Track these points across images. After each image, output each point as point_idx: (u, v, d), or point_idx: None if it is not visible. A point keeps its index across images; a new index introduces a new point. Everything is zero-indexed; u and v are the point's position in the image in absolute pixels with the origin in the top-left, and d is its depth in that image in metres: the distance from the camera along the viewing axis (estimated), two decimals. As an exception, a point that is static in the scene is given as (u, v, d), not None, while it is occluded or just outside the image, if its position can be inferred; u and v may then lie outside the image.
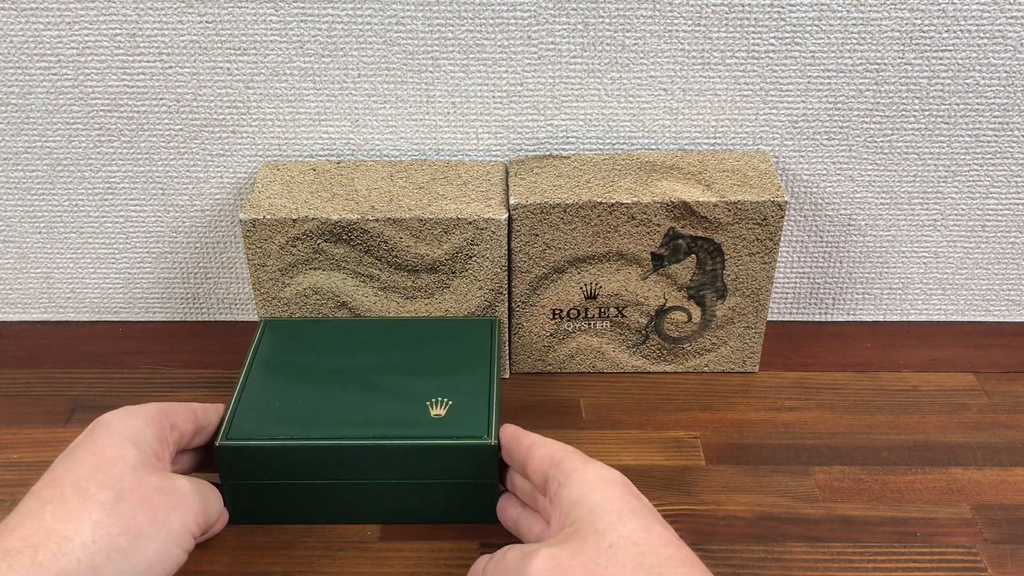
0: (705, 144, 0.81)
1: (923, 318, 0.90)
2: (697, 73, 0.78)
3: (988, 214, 0.84)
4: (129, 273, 0.88)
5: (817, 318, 0.90)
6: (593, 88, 0.79)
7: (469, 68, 0.78)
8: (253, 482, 0.66)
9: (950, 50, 0.76)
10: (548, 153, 0.82)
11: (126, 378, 0.83)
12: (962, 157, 0.81)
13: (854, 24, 0.75)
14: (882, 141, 0.81)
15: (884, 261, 0.86)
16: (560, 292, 0.78)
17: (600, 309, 0.79)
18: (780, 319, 0.90)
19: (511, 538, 0.67)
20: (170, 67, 0.78)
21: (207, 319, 0.91)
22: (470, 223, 0.74)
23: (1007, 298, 0.88)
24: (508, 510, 0.65)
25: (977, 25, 0.75)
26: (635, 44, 0.77)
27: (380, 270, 0.76)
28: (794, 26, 0.76)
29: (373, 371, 0.71)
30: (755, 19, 0.76)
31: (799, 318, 0.90)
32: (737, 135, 0.81)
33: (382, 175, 0.79)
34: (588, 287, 0.78)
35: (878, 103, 0.79)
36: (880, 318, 0.90)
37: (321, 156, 0.82)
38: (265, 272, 0.76)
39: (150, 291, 0.89)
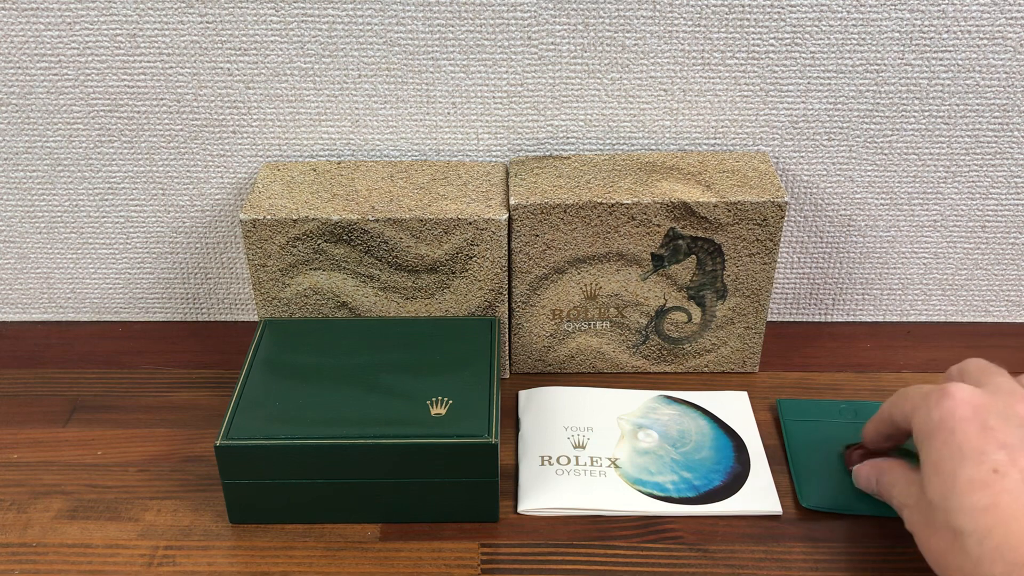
0: (705, 144, 0.81)
1: (923, 319, 0.90)
2: (697, 73, 0.78)
3: (988, 214, 0.84)
4: (129, 273, 0.88)
5: (817, 318, 0.90)
6: (593, 88, 0.79)
7: (469, 68, 0.78)
8: (253, 482, 0.66)
9: (950, 51, 0.77)
10: (548, 153, 0.82)
11: (126, 378, 0.83)
12: (962, 157, 0.81)
13: (854, 24, 0.75)
14: (882, 141, 0.81)
15: (884, 261, 0.86)
16: (560, 292, 0.78)
17: (600, 309, 0.79)
18: (780, 319, 0.90)
19: (511, 538, 0.67)
20: (170, 67, 0.78)
21: (207, 319, 0.91)
22: (470, 223, 0.74)
23: (1007, 298, 0.88)
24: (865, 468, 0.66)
25: (977, 25, 0.75)
26: (635, 44, 0.77)
27: (380, 270, 0.76)
28: (794, 26, 0.76)
29: (373, 370, 0.71)
30: (755, 19, 0.76)
31: (799, 318, 0.90)
32: (737, 135, 0.81)
33: (382, 175, 0.79)
34: (588, 287, 0.78)
35: (878, 103, 0.79)
36: (880, 319, 0.90)
37: (321, 156, 0.82)
38: (265, 272, 0.76)
39: (150, 291, 0.89)
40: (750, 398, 0.79)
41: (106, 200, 0.84)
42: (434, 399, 0.68)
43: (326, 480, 0.66)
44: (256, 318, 0.81)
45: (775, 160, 0.82)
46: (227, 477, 0.66)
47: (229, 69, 0.78)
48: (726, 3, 0.75)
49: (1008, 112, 0.79)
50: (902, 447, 0.72)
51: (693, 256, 0.77)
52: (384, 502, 0.67)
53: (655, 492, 0.70)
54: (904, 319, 0.90)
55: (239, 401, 0.68)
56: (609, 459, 0.72)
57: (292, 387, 0.70)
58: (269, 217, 0.74)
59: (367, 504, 0.67)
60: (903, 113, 0.79)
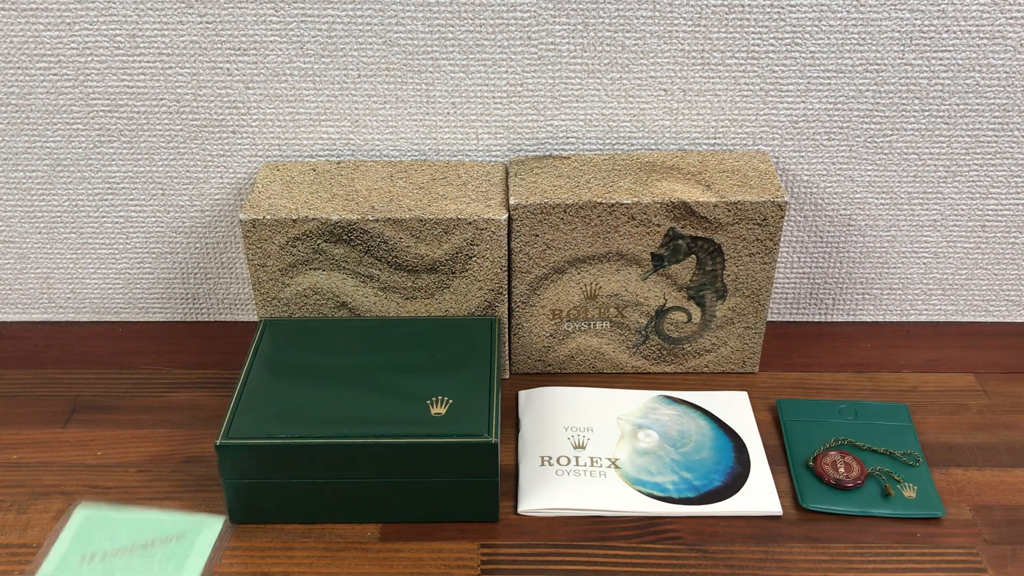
0: (705, 144, 0.81)
1: (923, 318, 0.90)
2: (697, 73, 0.78)
3: (988, 214, 0.84)
4: (129, 273, 0.88)
5: (817, 318, 0.90)
6: (593, 88, 0.79)
7: (469, 68, 0.78)
8: (253, 481, 0.66)
9: (950, 50, 0.76)
10: (548, 153, 0.82)
11: (126, 378, 0.83)
12: (962, 157, 0.81)
13: (854, 24, 0.75)
14: (882, 141, 0.81)
15: (884, 261, 0.86)
16: (560, 292, 0.78)
17: (600, 309, 0.79)
18: (780, 319, 0.90)
19: (511, 538, 0.67)
20: (170, 67, 0.78)
21: (207, 319, 0.91)
22: (470, 223, 0.74)
23: (1007, 298, 0.88)
24: None
25: (977, 25, 0.75)
26: (635, 44, 0.77)
27: (380, 270, 0.76)
28: (794, 26, 0.76)
29: (373, 370, 0.71)
30: (755, 19, 0.75)
31: (799, 318, 0.90)
32: (737, 135, 0.81)
33: (382, 175, 0.79)
34: (588, 287, 0.78)
35: (878, 103, 0.79)
36: (880, 318, 0.90)
37: (321, 156, 0.82)
38: (265, 272, 0.76)
39: (150, 291, 0.89)
40: (750, 398, 0.79)
41: (106, 200, 0.84)
42: (434, 399, 0.68)
43: (326, 480, 0.66)
44: (256, 318, 0.81)
45: (775, 160, 0.82)
46: (227, 476, 0.66)
47: (229, 69, 0.78)
48: (726, 3, 0.75)
49: (1008, 112, 0.79)
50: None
51: (693, 256, 0.77)
52: (384, 502, 0.67)
53: (655, 492, 0.70)
54: (904, 319, 0.90)
55: (239, 400, 0.68)
56: (609, 459, 0.72)
57: (292, 386, 0.69)
58: (269, 217, 0.74)
59: (367, 504, 0.67)
60: (903, 113, 0.79)
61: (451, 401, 0.68)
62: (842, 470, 0.70)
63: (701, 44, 0.77)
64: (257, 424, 0.66)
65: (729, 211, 0.74)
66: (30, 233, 0.86)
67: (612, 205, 0.74)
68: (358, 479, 0.66)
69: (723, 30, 0.76)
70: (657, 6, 0.75)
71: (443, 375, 0.70)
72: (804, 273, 0.87)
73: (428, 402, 0.67)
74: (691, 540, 0.67)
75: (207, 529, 0.67)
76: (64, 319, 0.91)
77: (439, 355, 0.72)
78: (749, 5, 0.75)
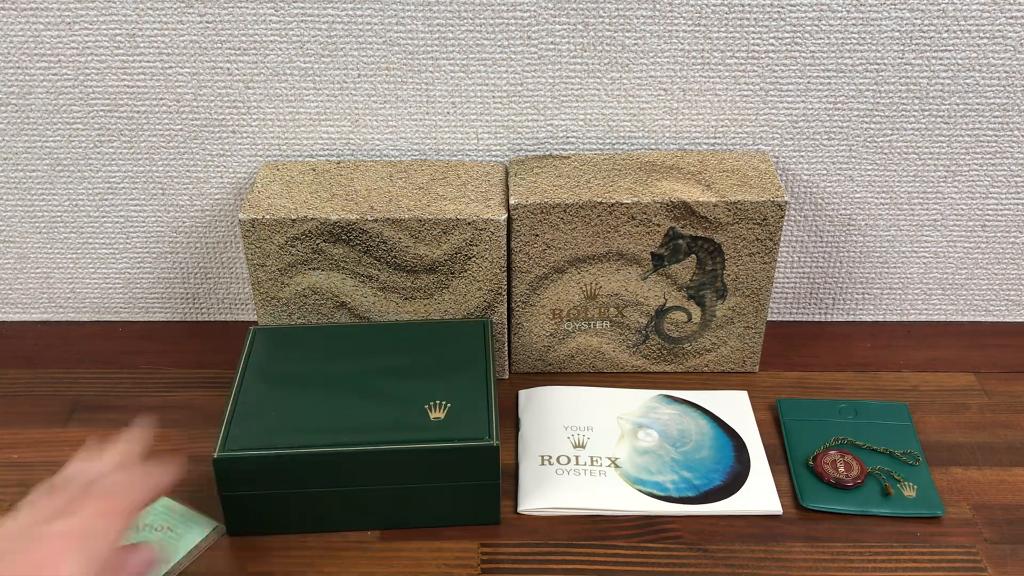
0: (705, 144, 0.81)
1: (923, 318, 0.90)
2: (697, 73, 0.78)
3: (988, 214, 0.84)
4: (129, 273, 0.88)
5: (817, 318, 0.90)
6: (593, 88, 0.79)
7: (469, 68, 0.78)
8: (253, 493, 0.65)
9: (950, 50, 0.76)
10: (548, 153, 0.82)
11: (126, 378, 0.83)
12: (962, 157, 0.81)
13: (854, 24, 0.75)
14: (882, 141, 0.81)
15: (884, 261, 0.86)
16: (560, 292, 0.78)
17: (600, 309, 0.79)
18: (780, 319, 0.90)
19: (511, 538, 0.67)
20: (170, 67, 0.78)
21: (207, 319, 0.91)
22: (469, 223, 0.74)
23: (1007, 298, 0.88)
24: None
25: (977, 25, 0.75)
26: (635, 44, 0.77)
27: (379, 270, 0.76)
28: (794, 26, 0.76)
29: (368, 376, 0.70)
30: (755, 19, 0.76)
31: (799, 318, 0.90)
32: (737, 135, 0.81)
33: (382, 175, 0.79)
34: (588, 287, 0.78)
35: (878, 103, 0.79)
36: (880, 318, 0.90)
37: (321, 156, 0.82)
38: (264, 272, 0.76)
39: (150, 291, 0.89)
40: (750, 398, 0.79)
41: (106, 200, 0.84)
42: (432, 403, 0.67)
43: (327, 489, 0.66)
44: (256, 318, 0.81)
45: (775, 160, 0.82)
46: (226, 489, 0.65)
47: (229, 69, 0.78)
48: (726, 3, 0.75)
49: (1008, 112, 0.79)
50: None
51: (693, 256, 0.77)
52: (385, 508, 0.67)
53: (655, 491, 0.70)
54: (904, 319, 0.90)
55: (233, 411, 0.67)
56: (609, 459, 0.72)
57: (287, 395, 0.69)
58: (268, 217, 0.74)
59: (368, 511, 0.67)
60: (903, 113, 0.79)
61: (449, 405, 0.67)
62: (842, 469, 0.70)
63: (701, 44, 0.77)
64: (254, 435, 0.65)
65: (729, 211, 0.74)
66: (30, 233, 0.86)
67: (612, 205, 0.74)
68: (358, 487, 0.66)
69: (723, 30, 0.76)
70: (657, 6, 0.75)
71: (439, 379, 0.70)
72: (804, 273, 0.87)
73: (426, 407, 0.67)
74: (691, 539, 0.67)
75: (195, 531, 0.66)
76: (64, 319, 0.91)
77: (433, 359, 0.72)
78: (749, 5, 0.75)
